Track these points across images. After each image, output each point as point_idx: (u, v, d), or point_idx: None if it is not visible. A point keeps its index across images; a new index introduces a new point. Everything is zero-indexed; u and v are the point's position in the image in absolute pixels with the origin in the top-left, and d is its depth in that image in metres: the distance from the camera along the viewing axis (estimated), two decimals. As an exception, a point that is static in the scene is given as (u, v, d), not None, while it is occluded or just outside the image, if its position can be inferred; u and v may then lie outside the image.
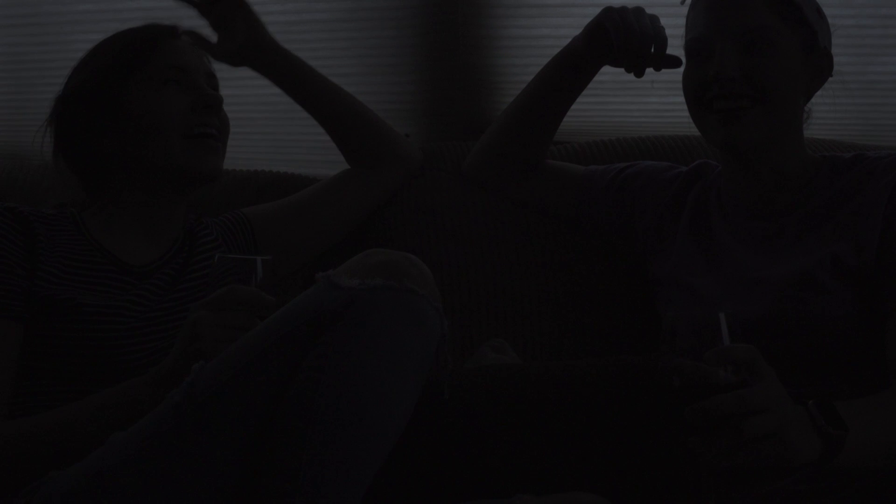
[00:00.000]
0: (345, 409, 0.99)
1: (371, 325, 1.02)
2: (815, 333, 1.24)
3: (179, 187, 1.40)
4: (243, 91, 1.56)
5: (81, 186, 1.41)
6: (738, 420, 0.97)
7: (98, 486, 1.01)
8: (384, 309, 1.03)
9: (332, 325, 1.01)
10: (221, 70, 1.47)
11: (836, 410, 1.04)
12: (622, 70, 1.87)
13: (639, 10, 1.43)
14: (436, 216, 1.68)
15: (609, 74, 1.85)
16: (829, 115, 1.46)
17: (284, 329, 1.03)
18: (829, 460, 1.03)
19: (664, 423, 1.33)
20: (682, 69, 1.41)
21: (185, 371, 1.04)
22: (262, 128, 2.01)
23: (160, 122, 1.35)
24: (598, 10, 1.70)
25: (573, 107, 1.60)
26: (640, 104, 1.92)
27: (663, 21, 1.43)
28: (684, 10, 1.43)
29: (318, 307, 1.03)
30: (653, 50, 1.41)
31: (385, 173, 1.66)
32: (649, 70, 1.44)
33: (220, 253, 1.37)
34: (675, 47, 1.43)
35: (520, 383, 1.32)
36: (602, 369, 1.34)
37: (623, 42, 1.41)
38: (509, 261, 1.65)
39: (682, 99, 1.41)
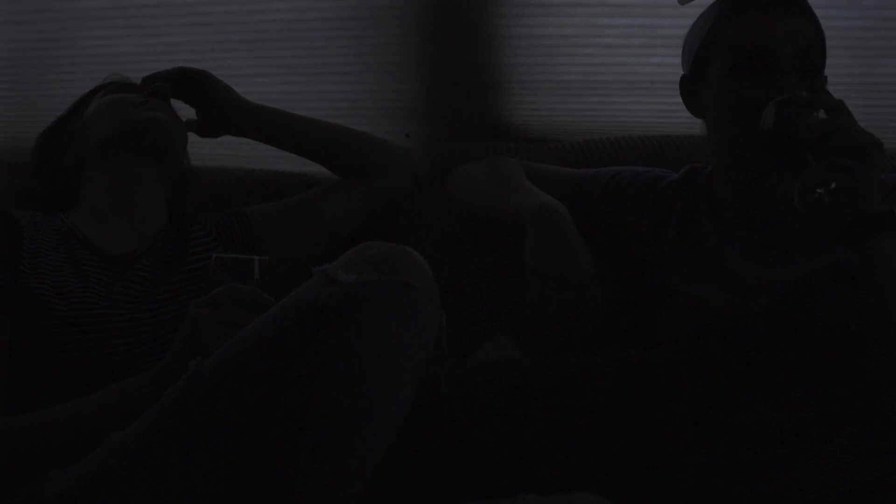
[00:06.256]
0: (343, 404, 0.99)
1: (368, 319, 1.02)
2: (816, 335, 1.23)
3: (132, 149, 1.45)
4: (248, 88, 1.56)
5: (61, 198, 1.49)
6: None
7: (97, 486, 1.01)
8: (381, 303, 1.03)
9: (328, 320, 1.02)
10: (227, 67, 1.47)
11: None
12: (627, 69, 1.87)
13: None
14: (437, 217, 1.68)
15: (615, 74, 1.86)
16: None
17: (281, 325, 1.03)
18: (870, 231, 1.11)
19: (665, 422, 1.33)
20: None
21: (183, 368, 1.04)
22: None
23: (111, 104, 1.47)
24: (604, 10, 1.68)
25: (576, 107, 1.57)
26: (645, 104, 1.91)
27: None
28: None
29: (314, 302, 1.03)
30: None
31: (388, 182, 1.65)
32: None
33: (217, 253, 1.37)
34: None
35: (521, 382, 1.32)
36: (605, 367, 1.34)
37: None
38: (511, 261, 1.65)
39: (686, 99, 1.41)
